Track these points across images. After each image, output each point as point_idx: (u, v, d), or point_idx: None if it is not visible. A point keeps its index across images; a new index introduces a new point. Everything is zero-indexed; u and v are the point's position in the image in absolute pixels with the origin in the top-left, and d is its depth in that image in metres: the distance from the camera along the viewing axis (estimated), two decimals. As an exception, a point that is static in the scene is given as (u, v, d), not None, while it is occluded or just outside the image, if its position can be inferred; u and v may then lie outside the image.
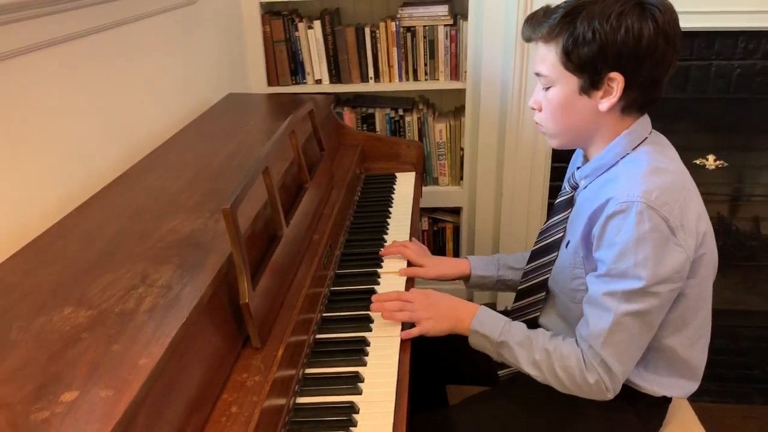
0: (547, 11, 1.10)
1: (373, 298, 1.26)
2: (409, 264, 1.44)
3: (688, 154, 1.45)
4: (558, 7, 1.09)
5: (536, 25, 1.11)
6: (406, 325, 1.22)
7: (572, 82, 1.09)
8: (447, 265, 1.49)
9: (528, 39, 1.14)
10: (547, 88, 1.13)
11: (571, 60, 1.06)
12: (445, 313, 1.23)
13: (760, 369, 2.20)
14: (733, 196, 2.49)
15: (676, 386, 1.19)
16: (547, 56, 1.10)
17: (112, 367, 0.76)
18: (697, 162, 2.24)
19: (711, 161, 2.21)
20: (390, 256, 1.45)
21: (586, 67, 1.06)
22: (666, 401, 1.25)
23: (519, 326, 1.19)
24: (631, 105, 1.09)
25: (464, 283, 1.50)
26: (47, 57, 1.21)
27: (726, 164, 2.24)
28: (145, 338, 0.81)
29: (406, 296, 1.25)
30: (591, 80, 1.07)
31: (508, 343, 1.16)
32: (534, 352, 1.14)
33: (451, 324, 1.22)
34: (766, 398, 2.07)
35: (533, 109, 1.18)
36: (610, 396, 1.10)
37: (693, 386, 1.21)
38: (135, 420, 0.71)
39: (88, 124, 1.34)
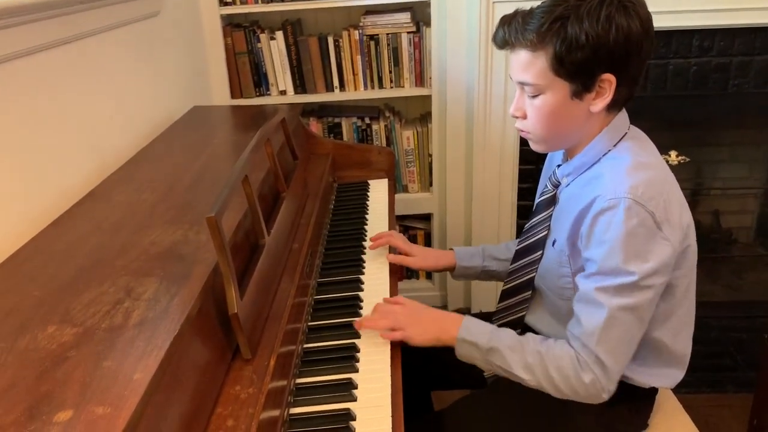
0: (525, 16, 1.07)
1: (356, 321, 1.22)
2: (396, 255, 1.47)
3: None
4: (534, 11, 1.06)
5: (520, 31, 1.06)
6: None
7: (564, 87, 1.06)
8: (434, 257, 1.50)
9: (507, 45, 1.10)
10: (535, 96, 1.09)
11: (564, 66, 1.04)
12: (429, 323, 1.19)
13: (730, 358, 2.25)
14: (694, 191, 2.55)
15: (664, 375, 1.20)
16: (533, 64, 1.06)
17: (106, 383, 0.72)
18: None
19: (674, 157, 2.27)
20: (373, 251, 1.47)
21: (580, 72, 1.04)
22: (654, 392, 1.26)
23: (508, 332, 1.16)
24: (617, 102, 1.09)
25: (450, 273, 1.51)
26: (8, 71, 1.16)
27: (688, 159, 2.30)
28: (138, 352, 0.77)
29: (390, 304, 1.22)
30: (584, 84, 1.05)
31: (498, 348, 1.13)
32: (526, 355, 1.11)
33: (435, 334, 1.18)
34: (739, 386, 2.12)
35: (516, 117, 1.15)
36: (605, 396, 1.08)
37: (680, 374, 1.22)
38: (135, 437, 0.68)
39: (53, 139, 1.29)
